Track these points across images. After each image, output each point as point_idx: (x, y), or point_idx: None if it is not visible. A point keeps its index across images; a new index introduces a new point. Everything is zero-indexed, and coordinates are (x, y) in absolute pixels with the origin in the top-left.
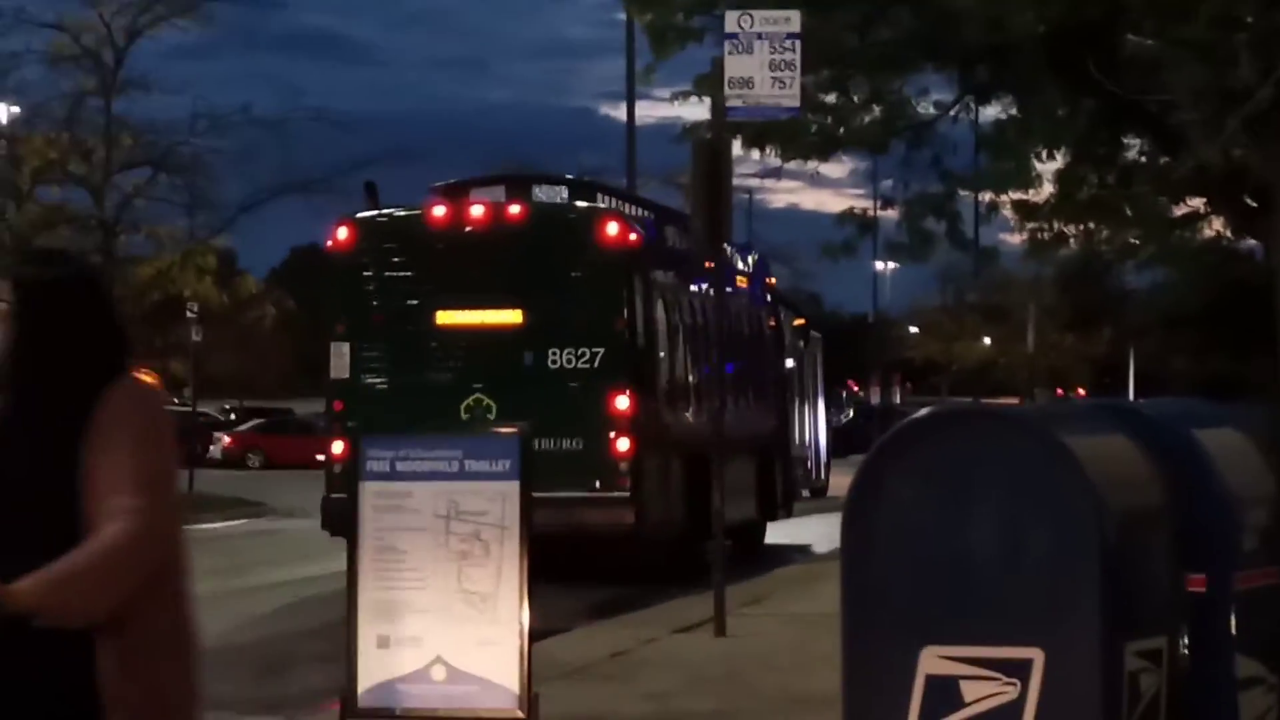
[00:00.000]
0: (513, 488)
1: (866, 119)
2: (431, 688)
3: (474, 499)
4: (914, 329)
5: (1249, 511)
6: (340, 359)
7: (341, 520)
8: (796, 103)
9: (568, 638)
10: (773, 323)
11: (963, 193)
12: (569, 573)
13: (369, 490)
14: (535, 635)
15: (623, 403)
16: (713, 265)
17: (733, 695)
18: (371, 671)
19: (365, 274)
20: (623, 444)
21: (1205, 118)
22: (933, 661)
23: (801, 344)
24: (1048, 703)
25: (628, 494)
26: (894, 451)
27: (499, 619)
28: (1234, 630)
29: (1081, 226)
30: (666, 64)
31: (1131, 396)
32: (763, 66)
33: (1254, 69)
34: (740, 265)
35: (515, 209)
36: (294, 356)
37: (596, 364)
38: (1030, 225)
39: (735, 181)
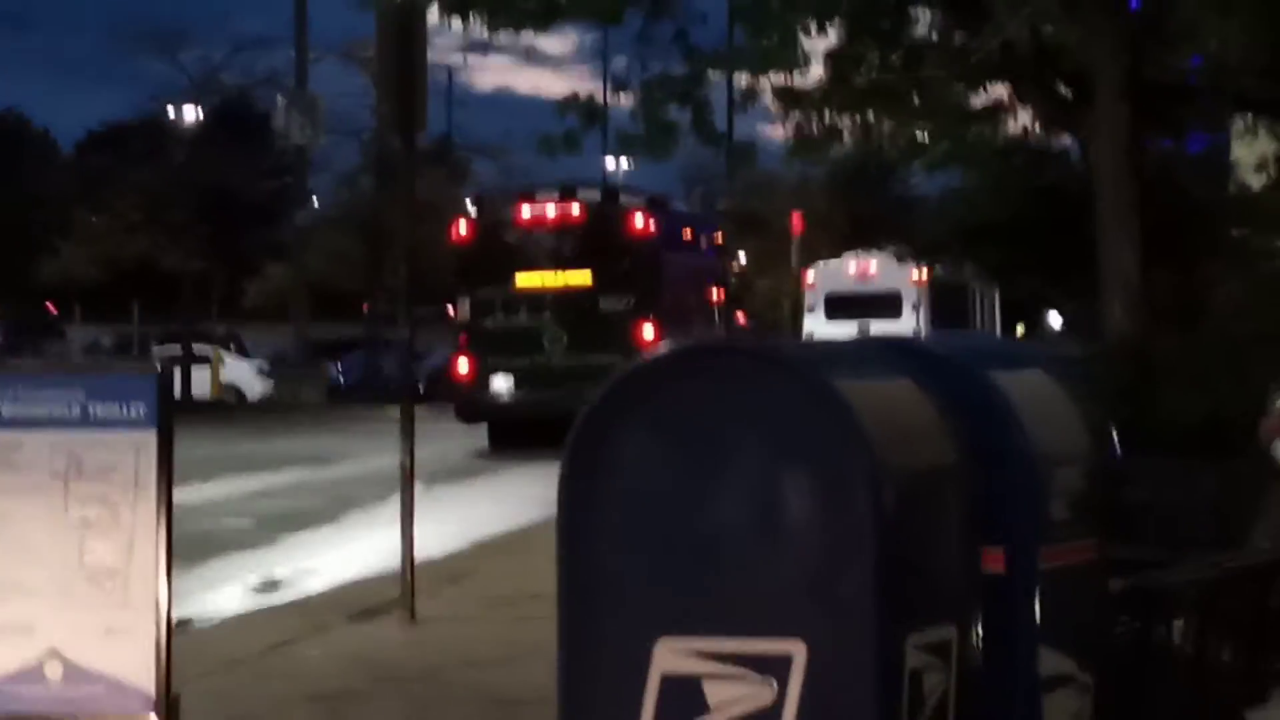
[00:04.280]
0: (149, 437)
1: None
2: (44, 689)
3: (100, 452)
4: None
5: (1058, 473)
6: (464, 306)
7: (472, 407)
8: None
9: (219, 625)
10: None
11: (713, 75)
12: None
13: None
14: (178, 623)
15: (649, 331)
16: (691, 238)
17: (423, 697)
18: None
19: (479, 251)
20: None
21: None
22: (670, 657)
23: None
24: (810, 707)
25: None
26: (623, 398)
27: (130, 602)
28: (1038, 617)
29: (858, 118)
30: None
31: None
32: None
33: None
34: (696, 225)
35: (576, 209)
36: None
37: (631, 306)
38: (796, 116)
39: (432, 58)
